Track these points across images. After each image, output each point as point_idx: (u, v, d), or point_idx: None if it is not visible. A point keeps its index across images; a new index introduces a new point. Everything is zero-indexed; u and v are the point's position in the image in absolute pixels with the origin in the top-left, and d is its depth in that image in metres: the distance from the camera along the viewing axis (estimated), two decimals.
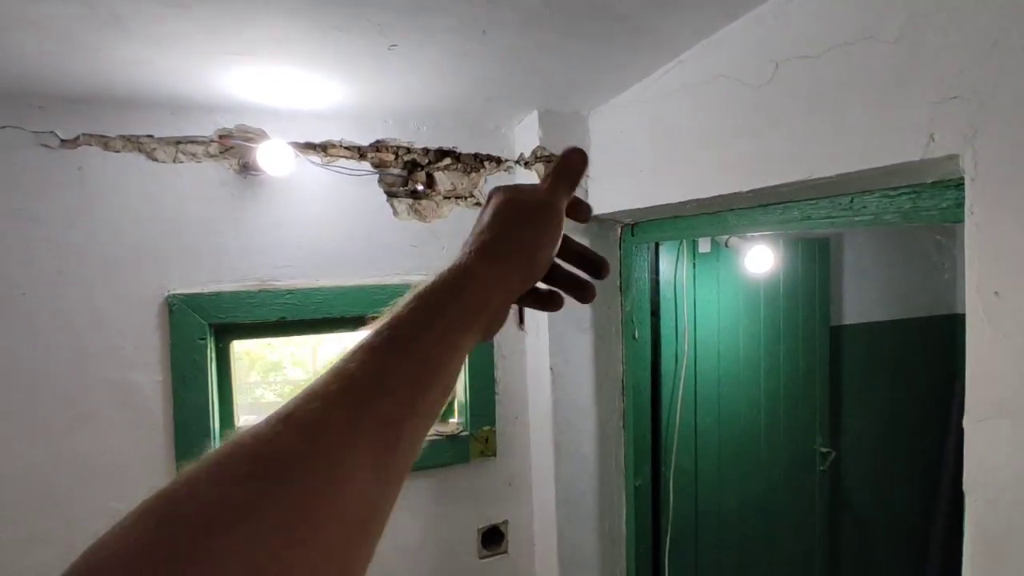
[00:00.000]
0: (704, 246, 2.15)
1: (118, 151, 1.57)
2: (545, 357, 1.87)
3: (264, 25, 1.18)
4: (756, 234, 2.07)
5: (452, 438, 1.91)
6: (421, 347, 0.41)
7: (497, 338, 1.90)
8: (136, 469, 1.58)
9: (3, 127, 1.47)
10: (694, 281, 2.14)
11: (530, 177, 1.89)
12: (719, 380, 2.23)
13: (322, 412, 0.34)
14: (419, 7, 1.13)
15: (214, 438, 1.68)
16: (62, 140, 1.52)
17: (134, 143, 1.58)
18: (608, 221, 1.91)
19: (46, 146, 1.51)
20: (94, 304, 1.55)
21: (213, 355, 1.67)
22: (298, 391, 0.36)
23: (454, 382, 0.44)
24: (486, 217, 0.55)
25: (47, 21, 1.12)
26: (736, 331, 2.22)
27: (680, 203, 1.51)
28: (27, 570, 1.50)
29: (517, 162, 1.96)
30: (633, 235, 1.93)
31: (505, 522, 2.02)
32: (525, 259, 0.52)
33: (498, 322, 0.51)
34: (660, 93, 1.51)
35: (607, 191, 1.80)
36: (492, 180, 1.96)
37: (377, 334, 0.41)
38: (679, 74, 1.44)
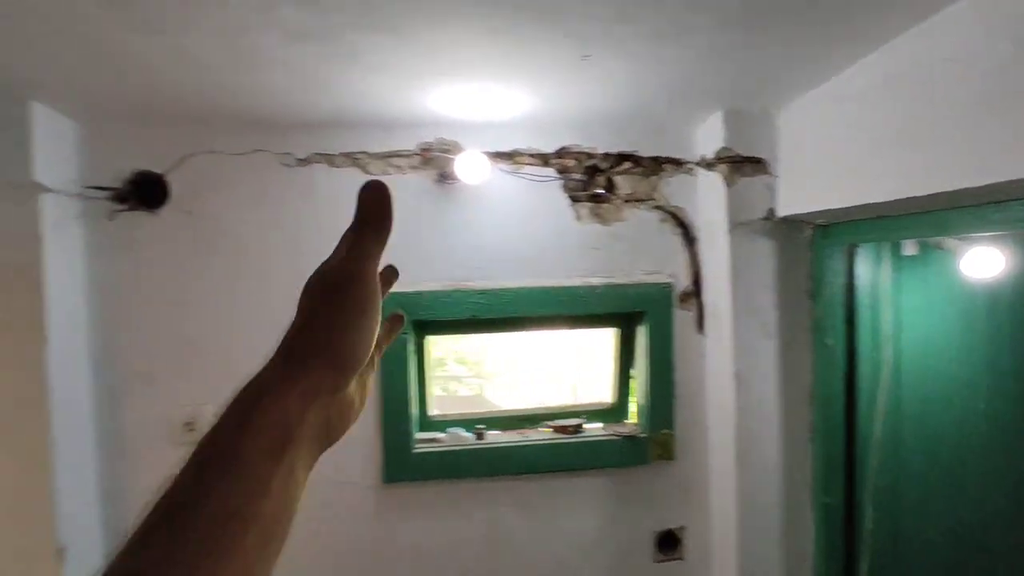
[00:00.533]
0: (910, 248, 1.95)
1: (339, 167, 1.79)
2: (728, 362, 1.81)
3: (471, 45, 1.29)
4: (980, 235, 1.84)
5: (630, 439, 1.93)
6: (214, 507, 0.34)
7: (677, 342, 1.89)
8: (352, 445, 1.79)
9: (256, 151, 1.75)
10: (898, 286, 1.95)
11: (712, 179, 1.85)
12: (925, 396, 2.00)
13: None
14: (618, 17, 1.17)
15: (412, 422, 1.85)
16: (298, 159, 1.77)
17: (352, 159, 1.79)
18: (797, 223, 1.81)
19: (286, 165, 1.77)
20: None
21: (413, 348, 1.84)
22: None
23: (284, 518, 0.37)
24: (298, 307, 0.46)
25: (296, 60, 1.32)
26: (948, 343, 1.98)
27: (887, 202, 1.39)
28: None
29: (698, 164, 1.93)
30: (826, 237, 1.80)
31: (682, 527, 1.98)
32: (329, 356, 0.42)
33: (333, 431, 0.44)
34: (865, 84, 1.41)
35: (797, 191, 1.71)
36: (672, 183, 1.95)
37: (162, 503, 0.35)
38: (887, 63, 1.34)
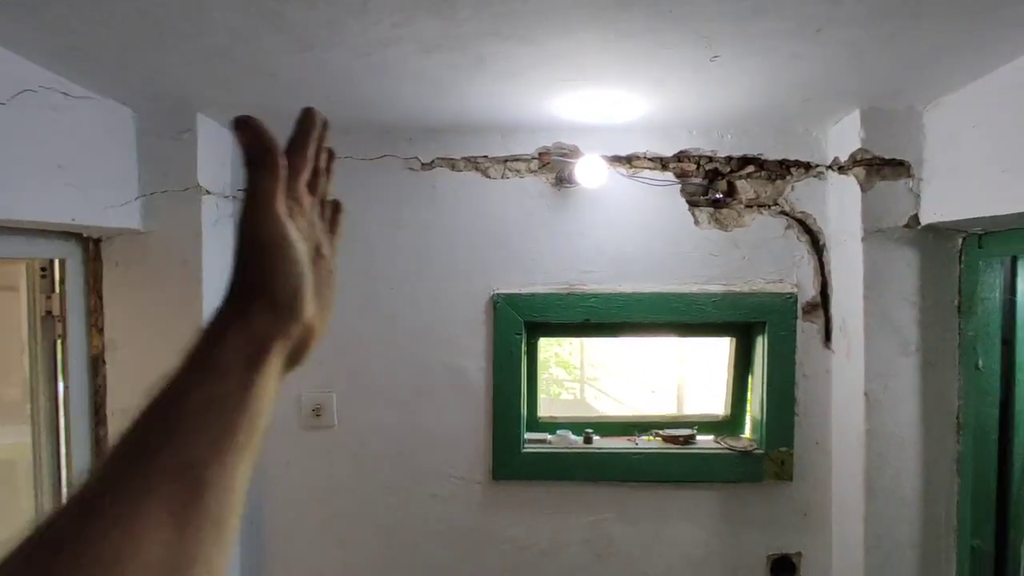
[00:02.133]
0: None
1: (461, 171, 1.86)
2: (859, 380, 1.68)
3: (596, 51, 1.29)
4: None
5: (744, 454, 1.84)
6: (200, 395, 0.38)
7: (799, 356, 1.79)
8: (463, 440, 1.86)
9: (383, 156, 1.86)
10: None
11: (845, 183, 1.73)
12: None
13: (105, 480, 0.33)
14: (753, 13, 1.13)
15: (522, 422, 1.88)
16: (422, 164, 1.86)
17: (473, 163, 1.86)
18: (946, 231, 1.65)
19: (411, 169, 1.86)
20: (438, 299, 1.86)
21: (524, 349, 1.88)
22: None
23: (258, 419, 0.41)
24: None
25: (427, 70, 1.39)
26: None
27: None
28: (382, 511, 1.87)
29: (830, 167, 1.81)
30: (981, 247, 1.63)
31: (799, 554, 1.87)
32: (265, 306, 0.43)
33: (297, 353, 0.46)
34: None
35: (947, 196, 1.56)
36: (799, 187, 1.84)
37: (154, 397, 0.39)
38: None
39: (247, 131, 0.46)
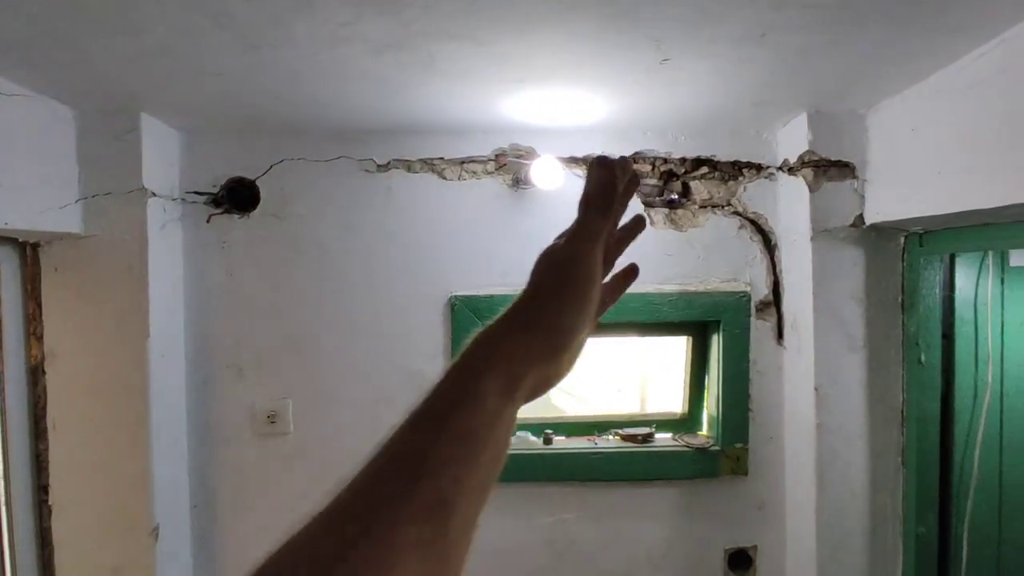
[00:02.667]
0: (1018, 258, 1.80)
1: (417, 172, 1.84)
2: (808, 376, 1.73)
3: (551, 51, 1.30)
4: None
5: (701, 451, 1.87)
6: (461, 421, 0.37)
7: (753, 353, 1.83)
8: None
9: (338, 158, 1.83)
10: (1002, 300, 1.80)
11: (794, 184, 1.77)
12: None
13: (363, 506, 0.34)
14: (702, 18, 1.15)
15: None
16: (378, 165, 1.84)
17: (429, 165, 1.84)
18: (889, 230, 1.70)
19: (367, 171, 1.84)
20: (395, 302, 1.84)
21: None
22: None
23: (503, 454, 0.40)
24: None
25: (378, 70, 1.37)
26: None
27: (994, 208, 1.29)
28: None
29: (780, 168, 1.85)
30: (922, 245, 1.69)
31: (754, 547, 1.91)
32: (545, 331, 0.44)
33: (541, 387, 0.45)
34: (972, 80, 1.31)
35: (890, 197, 1.61)
36: (751, 188, 1.88)
37: (416, 412, 0.39)
38: (1000, 56, 1.24)
39: (602, 173, 0.49)
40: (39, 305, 1.67)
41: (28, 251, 1.65)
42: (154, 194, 1.68)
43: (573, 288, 0.46)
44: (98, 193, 1.63)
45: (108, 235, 1.64)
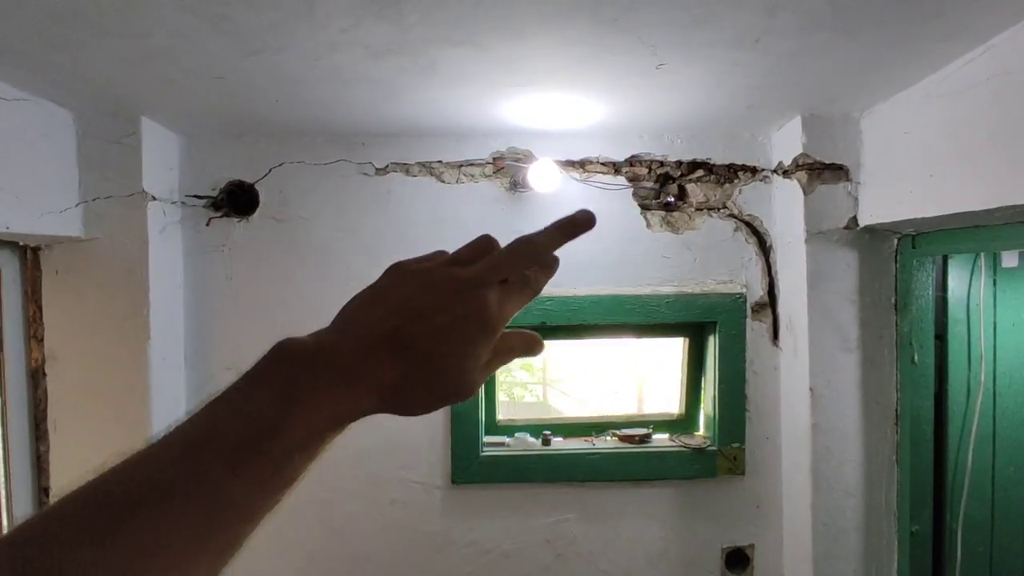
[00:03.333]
0: (1009, 260, 1.82)
1: (415, 176, 1.86)
2: (804, 377, 1.75)
3: (548, 55, 1.31)
4: None
5: (698, 451, 1.89)
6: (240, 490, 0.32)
7: (749, 354, 1.85)
8: (422, 445, 1.85)
9: (337, 161, 1.84)
10: (994, 301, 1.82)
11: (789, 187, 1.79)
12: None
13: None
14: (696, 23, 1.17)
15: (480, 426, 1.89)
16: (376, 169, 1.85)
17: (427, 168, 1.86)
18: (882, 232, 1.73)
19: (365, 174, 1.85)
20: None
21: None
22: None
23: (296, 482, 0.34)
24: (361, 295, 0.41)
25: (379, 75, 1.39)
26: None
27: (985, 211, 1.31)
28: (341, 518, 1.85)
29: (775, 171, 1.87)
30: (914, 247, 1.71)
31: (751, 546, 1.92)
32: (413, 360, 0.36)
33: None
34: (962, 85, 1.34)
35: (883, 199, 1.63)
36: (746, 191, 1.90)
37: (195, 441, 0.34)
38: (988, 62, 1.26)
39: (577, 232, 0.43)
40: (40, 308, 1.67)
41: (29, 254, 1.66)
42: (154, 197, 1.69)
43: (460, 320, 0.38)
44: (98, 196, 1.64)
45: (108, 238, 1.65)
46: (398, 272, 0.42)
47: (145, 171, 1.66)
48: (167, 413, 1.75)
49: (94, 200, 1.64)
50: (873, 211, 1.66)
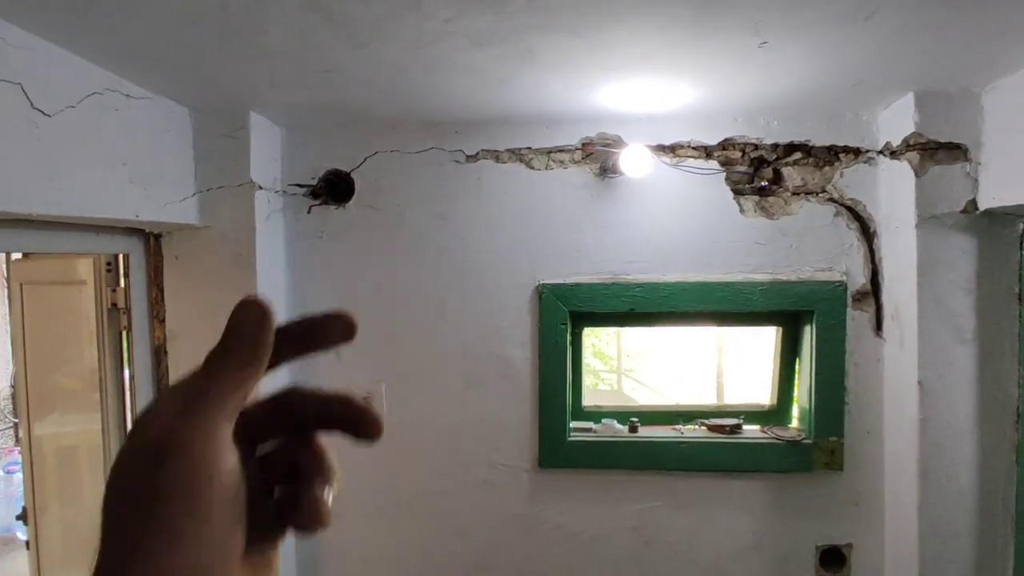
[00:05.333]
0: None
1: (505, 163, 1.88)
2: (912, 369, 1.65)
3: (644, 40, 1.29)
4: None
5: (793, 444, 1.83)
6: None
7: (849, 344, 1.77)
8: (511, 429, 1.88)
9: (429, 149, 1.89)
10: None
11: (898, 168, 1.69)
12: None
13: None
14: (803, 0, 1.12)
15: (567, 411, 1.90)
16: (467, 156, 1.89)
17: (517, 155, 1.87)
18: (1005, 216, 1.60)
19: (456, 162, 1.89)
20: (485, 289, 1.89)
21: (569, 338, 1.89)
22: None
23: None
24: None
25: (479, 63, 1.41)
26: None
27: None
28: (433, 498, 1.91)
29: (882, 152, 1.77)
30: None
31: (849, 545, 1.85)
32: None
33: None
34: None
35: (1009, 181, 1.51)
36: (848, 173, 1.81)
37: None
38: None
39: (248, 310, 0.31)
40: (161, 290, 1.81)
41: (152, 241, 1.80)
42: (260, 187, 1.79)
43: (158, 507, 0.25)
44: (211, 187, 1.76)
45: (220, 225, 1.77)
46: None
47: (253, 162, 1.76)
48: (271, 387, 1.86)
49: (208, 190, 1.76)
50: (996, 193, 1.55)
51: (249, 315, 0.30)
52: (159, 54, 1.34)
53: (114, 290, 1.78)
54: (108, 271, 1.78)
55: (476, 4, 1.12)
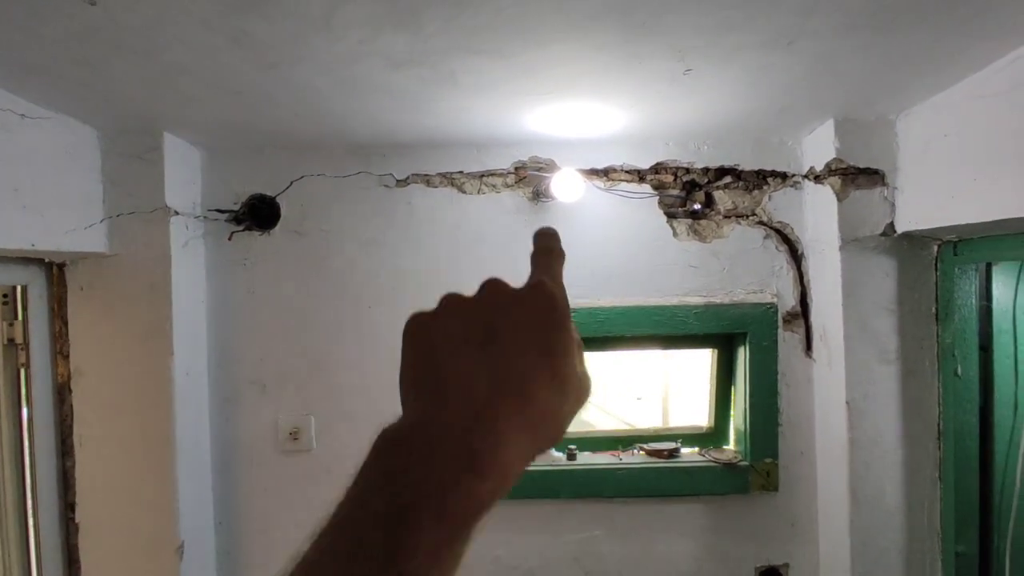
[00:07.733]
0: None
1: (436, 186, 1.83)
2: (840, 389, 1.68)
3: (573, 62, 1.28)
4: None
5: (729, 466, 1.83)
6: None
7: (781, 366, 1.79)
8: None
9: (358, 173, 1.83)
10: None
11: (821, 193, 1.73)
12: None
13: None
14: (726, 27, 1.12)
15: None
16: (397, 180, 1.83)
17: (448, 179, 1.83)
18: (921, 239, 1.65)
19: (386, 186, 1.83)
20: None
21: None
22: None
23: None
24: (412, 349, 0.34)
25: (398, 86, 1.36)
26: None
27: None
28: None
29: (806, 176, 1.81)
30: (956, 254, 1.64)
31: (786, 565, 1.85)
32: (552, 421, 0.31)
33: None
34: (1007, 85, 1.27)
35: (922, 204, 1.56)
36: (776, 197, 1.84)
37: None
38: None
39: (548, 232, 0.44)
40: (65, 324, 1.68)
41: (54, 271, 1.67)
42: (176, 212, 1.69)
43: (554, 323, 0.34)
44: (122, 212, 1.65)
45: (132, 254, 1.66)
46: (422, 319, 0.35)
47: (168, 186, 1.66)
48: (191, 427, 1.75)
49: (118, 216, 1.65)
50: (911, 217, 1.60)
51: (553, 234, 0.44)
52: (57, 71, 1.24)
53: (11, 324, 1.64)
54: (4, 303, 1.64)
55: (390, 25, 1.08)
